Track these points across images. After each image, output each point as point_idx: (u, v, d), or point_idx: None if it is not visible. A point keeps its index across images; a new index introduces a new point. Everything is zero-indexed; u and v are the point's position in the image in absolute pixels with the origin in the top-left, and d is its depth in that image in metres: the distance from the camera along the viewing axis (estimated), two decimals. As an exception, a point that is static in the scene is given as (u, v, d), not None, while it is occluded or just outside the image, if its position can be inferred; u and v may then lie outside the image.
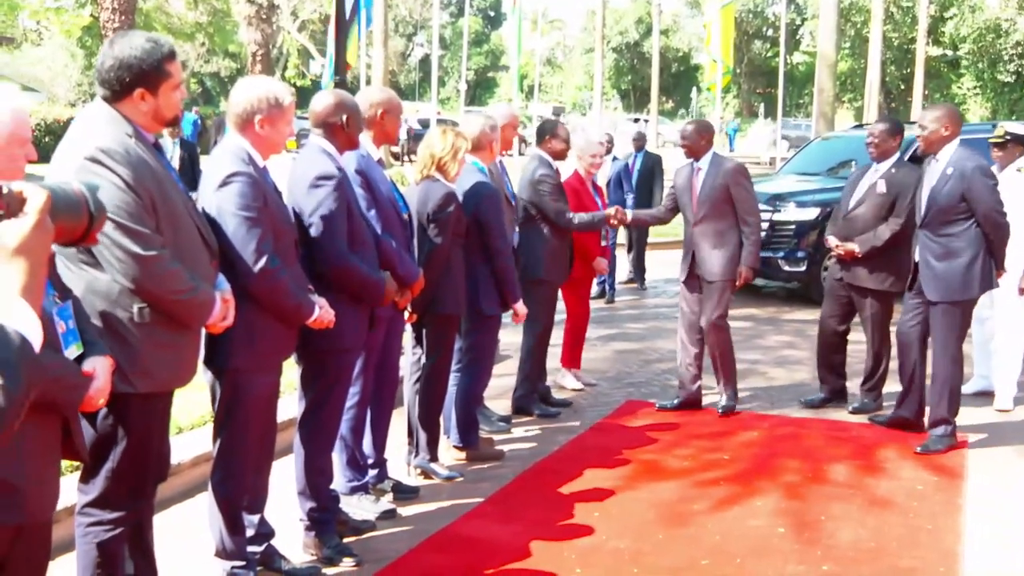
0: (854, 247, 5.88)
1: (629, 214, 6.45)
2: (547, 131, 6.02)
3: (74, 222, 1.48)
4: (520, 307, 5.12)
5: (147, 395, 2.90)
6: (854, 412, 6.07)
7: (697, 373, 6.08)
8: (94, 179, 2.70)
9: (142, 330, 2.84)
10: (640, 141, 11.19)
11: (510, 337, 6.57)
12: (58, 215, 1.37)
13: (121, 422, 2.88)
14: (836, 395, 6.25)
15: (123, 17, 13.02)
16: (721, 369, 6.06)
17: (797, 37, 49.41)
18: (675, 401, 6.11)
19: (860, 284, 5.96)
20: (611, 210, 6.16)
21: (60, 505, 3.66)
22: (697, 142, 5.97)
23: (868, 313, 6.03)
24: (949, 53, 43.37)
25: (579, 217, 5.92)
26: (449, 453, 5.11)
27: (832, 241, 6.05)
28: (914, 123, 5.71)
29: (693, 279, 5.99)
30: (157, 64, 2.84)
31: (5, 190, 1.31)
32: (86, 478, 2.99)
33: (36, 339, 1.31)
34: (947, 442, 5.35)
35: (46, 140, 25.34)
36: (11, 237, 1.31)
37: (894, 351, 5.86)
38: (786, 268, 9.76)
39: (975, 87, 42.40)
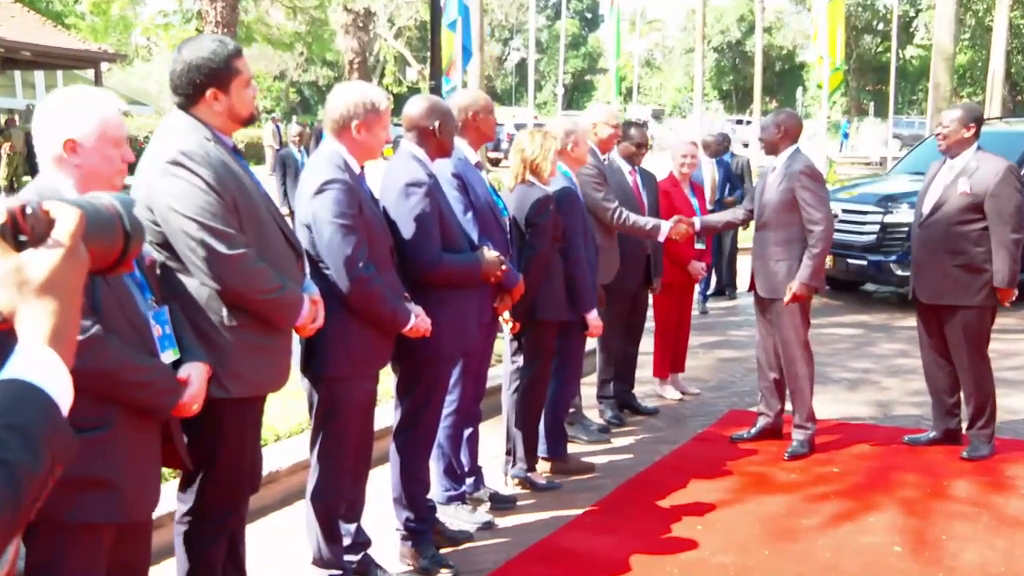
0: None
1: (697, 222, 5.65)
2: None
3: (107, 245, 1.17)
4: (592, 318, 4.81)
5: (241, 400, 2.88)
6: (969, 459, 5.15)
7: (776, 399, 5.45)
8: (176, 182, 2.72)
9: (232, 334, 2.82)
10: (722, 144, 10.18)
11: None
12: (89, 238, 1.10)
13: (216, 428, 2.87)
14: (948, 437, 5.38)
15: (226, 30, 13.37)
16: (795, 401, 5.31)
17: (911, 30, 47.52)
18: (751, 431, 5.48)
19: (946, 303, 5.14)
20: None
21: (161, 510, 3.80)
22: (773, 135, 5.24)
23: (959, 338, 5.14)
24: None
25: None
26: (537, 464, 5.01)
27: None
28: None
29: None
30: (225, 62, 2.84)
31: (29, 209, 1.03)
32: (184, 487, 3.00)
33: (65, 399, 1.03)
34: None
35: (156, 150, 26.42)
36: (37, 270, 1.03)
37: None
38: (899, 272, 9.32)
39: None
